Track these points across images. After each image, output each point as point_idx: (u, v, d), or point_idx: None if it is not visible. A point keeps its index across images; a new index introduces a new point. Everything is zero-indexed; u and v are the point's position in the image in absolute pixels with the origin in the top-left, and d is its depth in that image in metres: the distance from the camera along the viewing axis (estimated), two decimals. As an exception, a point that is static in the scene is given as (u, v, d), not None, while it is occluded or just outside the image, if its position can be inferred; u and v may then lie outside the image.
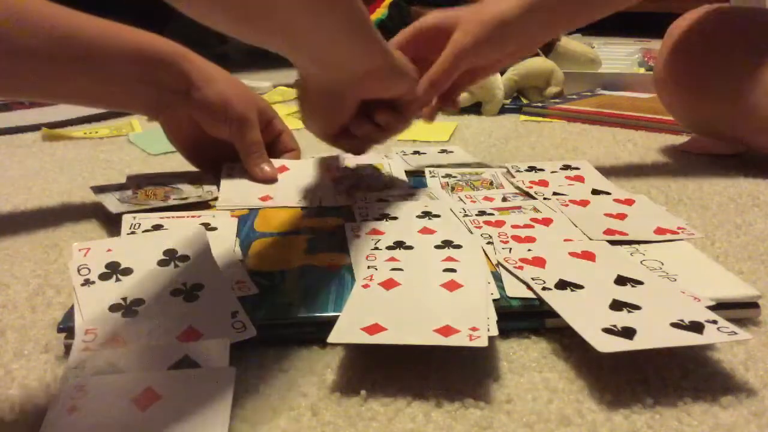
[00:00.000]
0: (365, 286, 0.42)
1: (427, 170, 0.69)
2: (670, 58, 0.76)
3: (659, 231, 0.51)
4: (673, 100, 0.79)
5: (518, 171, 0.67)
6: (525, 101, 1.12)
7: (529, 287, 0.42)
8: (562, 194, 0.60)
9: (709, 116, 0.75)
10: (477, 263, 0.45)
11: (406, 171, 0.70)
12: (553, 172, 0.67)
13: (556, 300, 0.40)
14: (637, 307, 0.39)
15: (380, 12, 1.24)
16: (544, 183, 0.64)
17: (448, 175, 0.68)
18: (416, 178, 0.68)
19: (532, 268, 0.44)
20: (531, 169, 0.68)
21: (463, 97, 1.07)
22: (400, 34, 0.66)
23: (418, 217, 0.55)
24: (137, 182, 0.65)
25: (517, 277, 0.43)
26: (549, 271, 0.44)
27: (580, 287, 0.42)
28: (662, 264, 0.46)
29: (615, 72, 1.24)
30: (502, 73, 1.07)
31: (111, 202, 0.59)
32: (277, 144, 0.68)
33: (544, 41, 0.95)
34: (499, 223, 0.53)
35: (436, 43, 0.63)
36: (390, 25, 1.23)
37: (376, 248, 0.48)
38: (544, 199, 0.59)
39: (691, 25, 0.75)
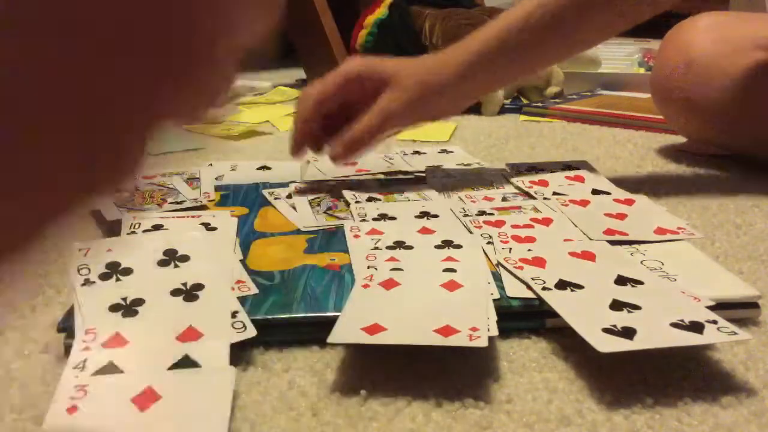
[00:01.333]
0: (365, 286, 0.42)
1: (427, 170, 0.69)
2: (680, 76, 0.74)
3: (659, 231, 0.51)
4: (675, 115, 0.78)
5: (518, 171, 0.67)
6: (525, 101, 1.12)
7: (529, 287, 0.42)
8: (562, 194, 0.60)
9: (721, 135, 0.74)
10: (477, 263, 0.45)
11: (406, 171, 0.70)
12: (553, 172, 0.67)
13: (556, 300, 0.40)
14: (637, 307, 0.39)
15: (380, 12, 1.24)
16: (544, 183, 0.64)
17: (448, 176, 0.68)
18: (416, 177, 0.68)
19: (532, 268, 0.44)
20: (531, 169, 0.68)
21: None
22: (329, 81, 0.61)
23: (417, 217, 0.55)
24: (135, 183, 0.65)
25: (517, 277, 0.43)
26: (549, 271, 0.44)
27: (580, 287, 0.42)
28: (662, 264, 0.46)
29: (615, 72, 1.24)
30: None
31: (108, 207, 0.59)
32: None
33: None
34: (499, 223, 0.53)
35: (365, 92, 0.60)
36: (390, 25, 1.23)
37: (376, 248, 0.48)
38: (544, 199, 0.59)
39: (702, 44, 0.72)
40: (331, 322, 0.37)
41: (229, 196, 0.63)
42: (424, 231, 0.51)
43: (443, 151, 0.80)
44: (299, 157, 0.64)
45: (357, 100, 0.60)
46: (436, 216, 0.55)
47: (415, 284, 0.42)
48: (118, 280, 0.42)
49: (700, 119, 0.74)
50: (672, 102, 0.76)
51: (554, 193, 0.61)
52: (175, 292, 0.41)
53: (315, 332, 0.39)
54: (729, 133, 0.73)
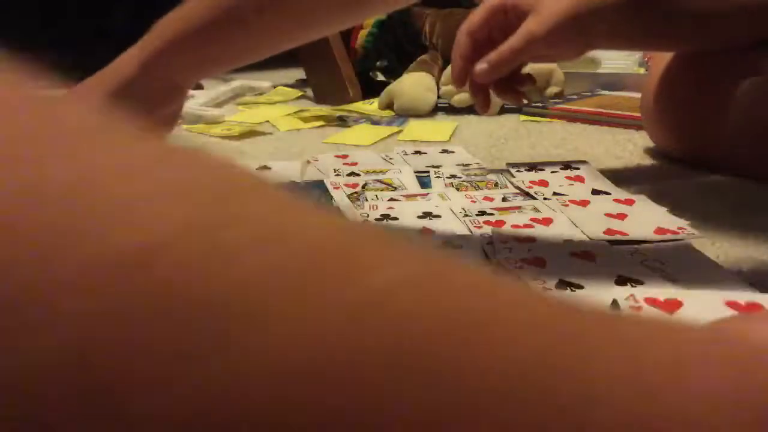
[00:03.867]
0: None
1: (432, 171, 0.69)
2: (659, 88, 0.74)
3: (659, 231, 0.51)
4: (664, 133, 0.78)
5: (518, 171, 0.67)
6: (525, 101, 1.12)
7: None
8: (562, 194, 0.60)
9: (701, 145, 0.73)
10: (477, 263, 0.45)
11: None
12: (553, 172, 0.67)
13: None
14: (638, 307, 0.39)
15: (380, 12, 1.24)
16: (544, 183, 0.64)
17: (453, 176, 0.68)
18: (419, 178, 0.68)
19: (532, 268, 0.44)
20: (531, 169, 0.68)
21: (463, 97, 1.07)
22: (475, 14, 0.64)
23: (419, 217, 0.55)
24: None
25: (518, 277, 0.43)
26: (549, 271, 0.44)
27: (580, 287, 0.42)
28: (662, 264, 0.46)
29: (615, 72, 1.24)
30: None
31: None
32: None
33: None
34: (499, 223, 0.53)
35: (508, 23, 0.61)
36: (390, 24, 1.23)
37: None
38: (544, 199, 0.59)
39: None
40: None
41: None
42: (425, 231, 0.51)
43: (444, 151, 0.80)
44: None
45: (500, 34, 0.62)
46: (438, 216, 0.55)
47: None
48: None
49: (692, 137, 0.74)
50: (666, 125, 0.77)
51: (554, 193, 0.61)
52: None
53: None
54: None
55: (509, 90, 0.67)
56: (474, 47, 0.63)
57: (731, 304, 0.34)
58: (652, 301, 0.38)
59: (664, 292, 0.38)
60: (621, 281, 0.42)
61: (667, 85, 0.73)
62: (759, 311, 0.33)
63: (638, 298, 0.37)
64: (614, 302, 0.39)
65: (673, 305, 0.36)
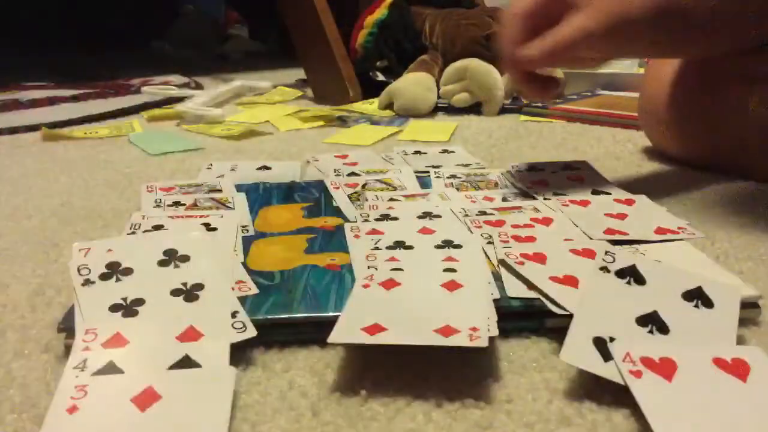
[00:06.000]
0: (365, 286, 0.42)
1: (432, 171, 0.69)
2: (662, 91, 0.73)
3: (659, 231, 0.51)
4: (670, 137, 0.77)
5: (518, 171, 0.67)
6: (525, 101, 1.12)
7: (529, 286, 0.42)
8: (562, 194, 0.60)
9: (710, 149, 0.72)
10: (477, 263, 0.45)
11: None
12: (553, 172, 0.67)
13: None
14: (638, 307, 0.39)
15: (380, 12, 1.24)
16: (544, 183, 0.64)
17: (453, 176, 0.68)
18: (420, 178, 0.68)
19: (532, 263, 0.44)
20: (531, 169, 0.68)
21: (463, 97, 1.07)
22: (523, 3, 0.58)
23: (419, 217, 0.55)
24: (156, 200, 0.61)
25: (518, 273, 0.43)
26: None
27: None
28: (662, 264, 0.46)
29: (615, 72, 1.24)
30: (502, 73, 1.07)
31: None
32: None
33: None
34: (499, 223, 0.53)
35: (550, 17, 0.56)
36: (390, 25, 1.23)
37: (376, 248, 0.48)
38: (545, 199, 0.59)
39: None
40: (331, 322, 0.37)
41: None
42: (425, 231, 0.51)
43: (444, 151, 0.80)
44: (521, 78, 0.61)
45: (545, 23, 0.57)
46: (437, 216, 0.55)
47: (416, 284, 0.42)
48: (118, 280, 0.42)
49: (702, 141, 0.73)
50: (670, 127, 0.76)
51: (554, 193, 0.61)
52: (176, 292, 0.41)
53: (315, 332, 0.39)
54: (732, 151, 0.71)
55: (541, 87, 0.62)
56: (527, 34, 0.57)
57: (718, 362, 0.34)
58: (646, 361, 0.36)
59: (657, 350, 0.36)
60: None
61: (677, 90, 0.72)
62: (745, 369, 0.33)
63: (634, 358, 0.36)
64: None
65: (668, 367, 0.35)
